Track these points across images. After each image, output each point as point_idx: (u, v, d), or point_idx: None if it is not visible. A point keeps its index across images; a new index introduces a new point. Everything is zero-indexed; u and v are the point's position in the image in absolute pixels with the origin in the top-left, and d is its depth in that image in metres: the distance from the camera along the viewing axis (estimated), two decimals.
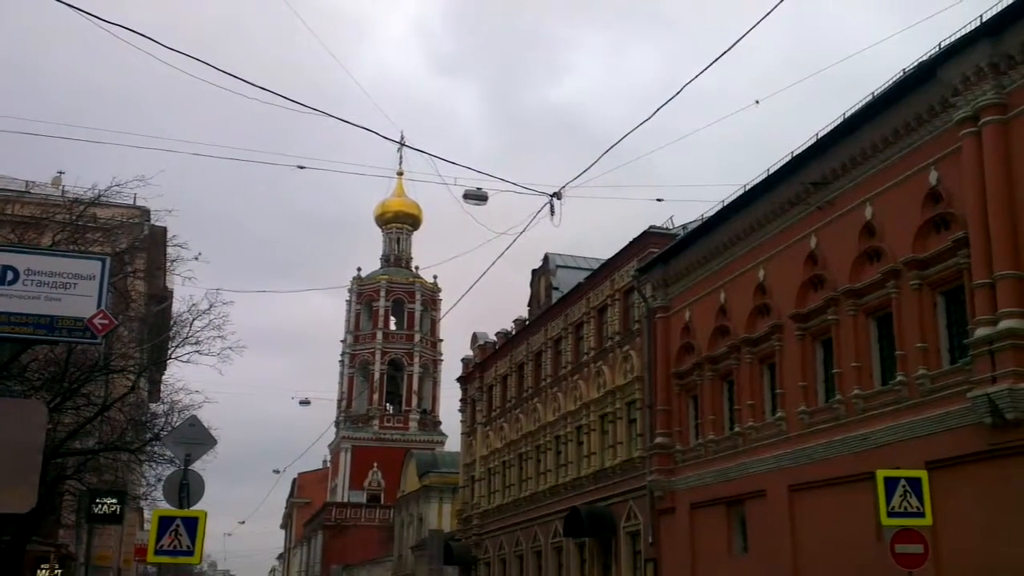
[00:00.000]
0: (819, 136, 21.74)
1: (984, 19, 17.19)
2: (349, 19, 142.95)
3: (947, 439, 17.61)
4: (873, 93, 20.20)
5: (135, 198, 22.80)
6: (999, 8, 16.92)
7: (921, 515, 14.17)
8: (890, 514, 14.11)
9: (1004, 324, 16.39)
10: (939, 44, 18.28)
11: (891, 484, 14.19)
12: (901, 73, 19.49)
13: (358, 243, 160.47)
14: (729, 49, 13.65)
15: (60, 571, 32.07)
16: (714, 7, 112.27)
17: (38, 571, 28.22)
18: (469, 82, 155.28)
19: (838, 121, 21.13)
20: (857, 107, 20.60)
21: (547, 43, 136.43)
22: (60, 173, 29.76)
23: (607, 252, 33.82)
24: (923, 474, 14.64)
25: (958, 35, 17.71)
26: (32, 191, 26.44)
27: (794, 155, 22.60)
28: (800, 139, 22.29)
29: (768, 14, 12.67)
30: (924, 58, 18.73)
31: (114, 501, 27.08)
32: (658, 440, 28.33)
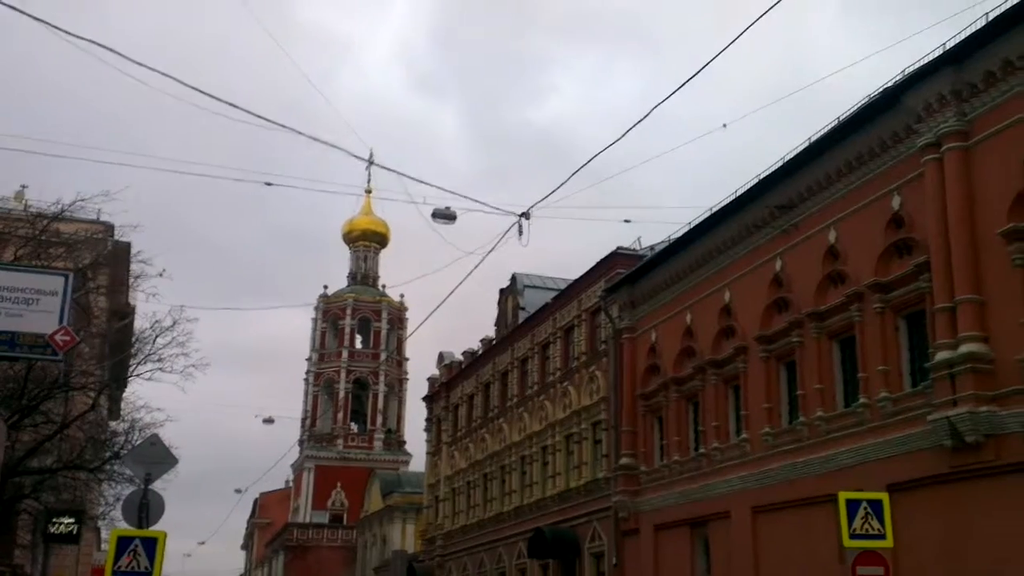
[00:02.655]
0: (785, 160, 21.97)
1: (947, 47, 17.48)
2: (333, 39, 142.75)
3: (908, 462, 17.76)
4: (839, 118, 20.47)
5: (99, 213, 22.60)
6: (962, 36, 17.22)
7: (882, 537, 14.22)
8: (852, 536, 14.15)
9: (964, 348, 16.59)
10: (903, 71, 18.59)
11: (853, 506, 14.24)
12: (866, 99, 19.77)
13: (326, 261, 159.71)
14: (696, 74, 13.76)
15: None
16: (700, 32, 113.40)
17: None
18: (450, 102, 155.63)
19: (804, 145, 21.38)
20: (823, 132, 20.86)
21: (530, 64, 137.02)
22: (23, 187, 29.39)
23: (578, 273, 33.93)
24: (884, 496, 14.70)
25: (922, 62, 18.00)
26: None
27: (760, 179, 22.82)
28: (772, 163, 22.43)
29: (735, 39, 12.79)
30: (888, 84, 19.02)
31: (71, 521, 26.62)
32: (623, 461, 28.35)
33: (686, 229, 26.11)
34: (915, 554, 16.87)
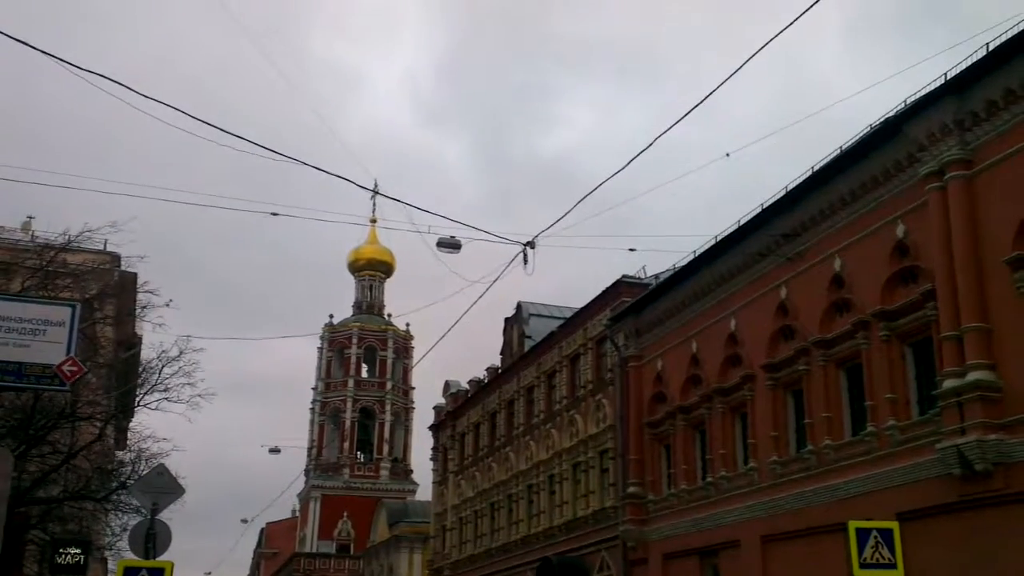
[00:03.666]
0: (789, 189, 22.04)
1: (948, 76, 17.58)
2: (341, 70, 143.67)
3: (918, 490, 17.69)
4: (841, 147, 20.55)
5: (106, 244, 22.71)
6: (963, 66, 17.32)
7: (893, 566, 14.14)
8: (862, 565, 14.06)
9: (972, 376, 16.56)
10: (905, 100, 18.67)
11: (863, 535, 14.17)
12: (868, 128, 19.84)
13: (332, 290, 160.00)
14: (697, 105, 13.85)
15: None
16: (710, 63, 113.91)
17: None
18: (458, 133, 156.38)
19: (807, 174, 21.45)
20: (826, 161, 20.93)
21: (537, 95, 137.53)
22: (30, 218, 29.59)
23: (584, 302, 33.97)
24: (894, 525, 14.63)
25: (923, 92, 18.09)
26: (1, 236, 26.23)
27: (764, 207, 22.88)
28: (775, 191, 22.53)
29: (736, 71, 12.89)
30: (890, 114, 19.09)
31: (78, 551, 26.49)
32: (630, 490, 28.24)
33: (691, 258, 26.15)
34: None
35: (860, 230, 20.22)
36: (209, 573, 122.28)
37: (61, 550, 26.16)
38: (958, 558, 16.78)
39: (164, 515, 15.04)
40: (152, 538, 14.02)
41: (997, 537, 16.11)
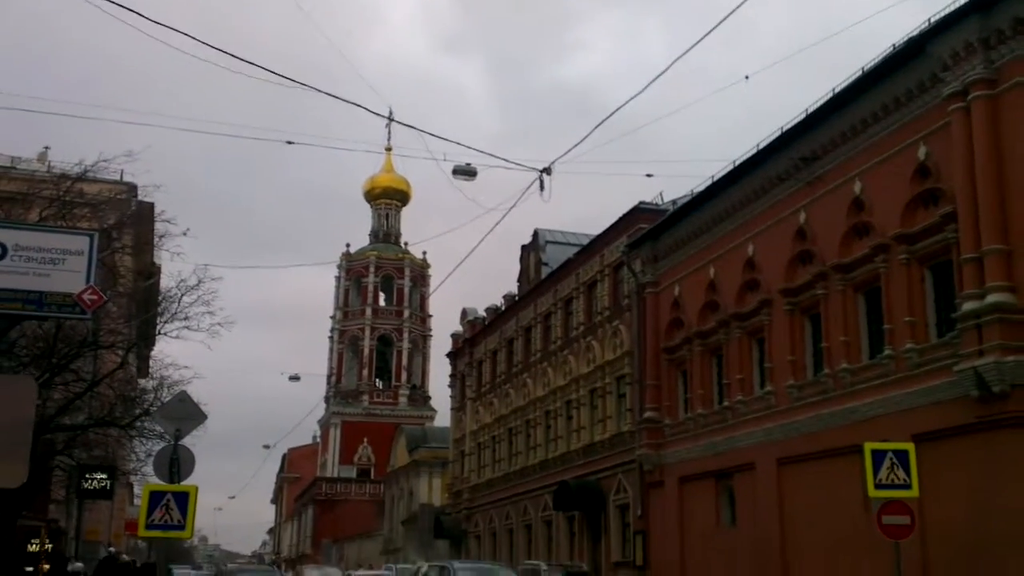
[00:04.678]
0: (809, 111, 21.74)
1: None
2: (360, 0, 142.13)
3: (934, 412, 17.73)
4: (863, 68, 20.20)
5: (122, 174, 22.70)
6: None
7: (908, 487, 14.27)
8: (877, 486, 14.20)
9: (991, 298, 16.48)
10: (929, 19, 18.27)
11: (878, 457, 14.28)
12: (891, 48, 19.48)
13: (348, 219, 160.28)
14: (716, 26, 13.63)
15: (51, 545, 32.11)
16: None
17: (29, 545, 28.24)
18: (474, 60, 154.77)
19: (828, 96, 21.13)
20: (847, 83, 20.60)
21: (556, 21, 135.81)
22: (46, 148, 29.60)
23: (601, 229, 33.86)
24: (910, 446, 14.73)
25: (948, 10, 17.69)
26: (18, 167, 26.25)
27: (783, 131, 22.61)
28: (795, 114, 22.26)
29: None
30: (914, 33, 18.71)
31: (104, 476, 27.10)
32: (647, 414, 28.46)
33: (709, 183, 25.96)
34: (941, 503, 16.91)
35: (881, 152, 19.97)
36: (233, 496, 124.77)
37: (88, 475, 26.76)
38: (973, 479, 16.88)
39: (187, 441, 15.24)
40: (176, 463, 14.20)
41: (1013, 458, 16.16)
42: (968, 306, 16.89)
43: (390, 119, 26.27)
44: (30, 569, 28.27)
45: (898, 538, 14.27)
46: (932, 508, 16.73)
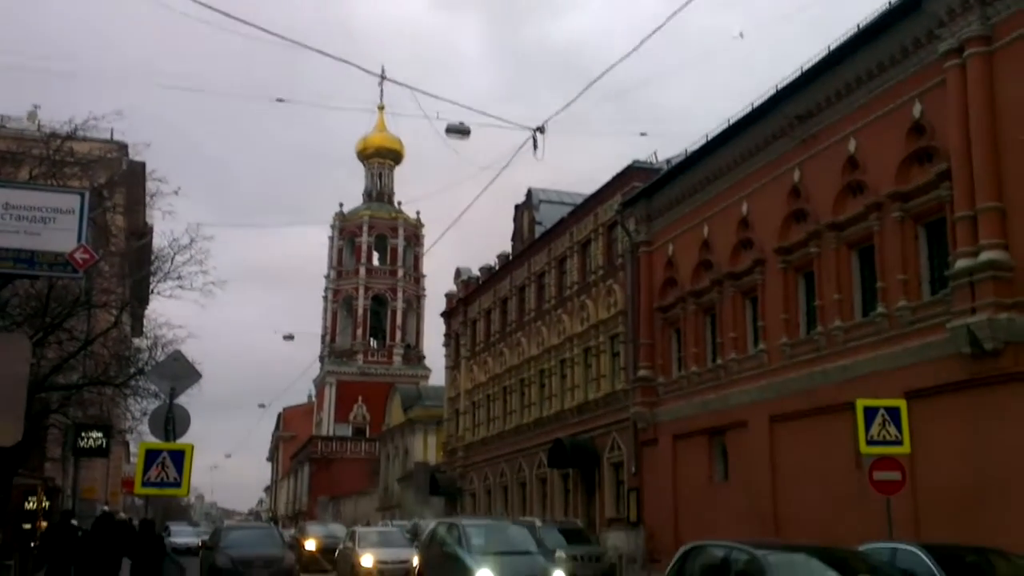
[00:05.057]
0: (803, 69, 21.61)
1: None
2: None
3: (926, 369, 17.83)
4: (859, 25, 20.05)
5: (112, 133, 22.53)
6: None
7: (899, 443, 14.40)
8: (869, 442, 14.33)
9: (985, 256, 16.51)
10: None
11: (870, 413, 14.40)
12: (887, 5, 19.32)
13: (341, 179, 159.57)
14: None
15: (47, 503, 32.28)
16: None
17: (25, 503, 28.39)
18: (468, 18, 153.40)
19: (823, 54, 21.00)
20: (842, 40, 20.45)
21: None
22: (36, 107, 29.33)
23: (595, 189, 33.75)
24: (902, 403, 14.85)
25: None
26: (7, 125, 26.04)
27: (778, 89, 22.49)
28: (790, 72, 22.13)
29: None
30: None
31: (99, 435, 27.13)
32: (641, 373, 28.58)
33: (703, 141, 25.85)
34: (932, 460, 17.05)
35: (876, 110, 19.89)
36: (229, 455, 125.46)
37: (83, 434, 26.80)
38: (965, 435, 17.02)
39: (182, 400, 15.26)
40: (171, 421, 14.25)
41: (1004, 415, 16.29)
42: (961, 263, 16.92)
43: (382, 77, 26.24)
44: (27, 527, 28.47)
45: (889, 494, 14.42)
46: (923, 464, 16.87)
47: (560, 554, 20.70)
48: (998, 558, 11.91)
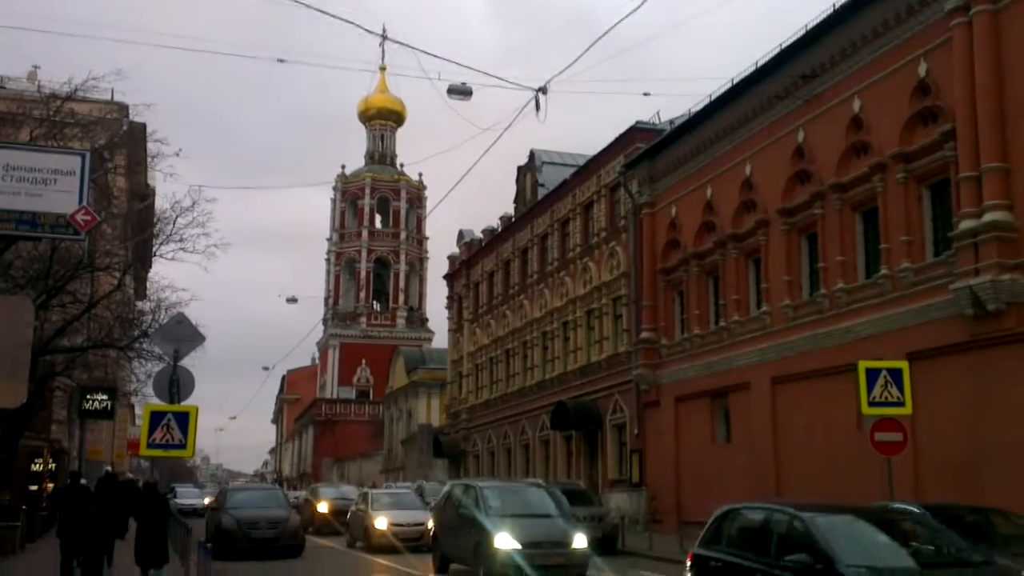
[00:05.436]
0: (808, 28, 21.41)
1: None
2: None
3: (929, 331, 17.83)
4: None
5: (112, 93, 22.41)
6: None
7: (901, 404, 14.43)
8: (871, 403, 14.36)
9: (989, 216, 16.45)
10: None
11: (872, 375, 14.42)
12: None
13: (343, 141, 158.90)
14: None
15: (54, 465, 32.56)
16: None
17: (32, 465, 28.64)
18: None
19: (828, 12, 20.80)
20: None
21: None
22: (35, 68, 29.17)
23: (598, 150, 33.57)
24: (904, 365, 14.87)
25: None
26: (7, 86, 25.90)
27: (782, 48, 22.29)
28: (795, 31, 21.91)
29: None
30: None
31: (104, 397, 27.32)
32: (644, 335, 28.61)
33: (707, 102, 25.68)
34: (933, 421, 17.10)
35: (880, 70, 19.73)
36: (234, 417, 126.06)
37: (88, 396, 26.98)
38: (966, 396, 17.05)
39: (186, 362, 15.30)
40: (176, 384, 14.26)
41: (1006, 375, 16.31)
42: (965, 224, 16.87)
43: (384, 37, 25.97)
44: (34, 488, 28.72)
45: (891, 455, 14.47)
46: (925, 425, 16.92)
47: None
48: (999, 517, 11.96)
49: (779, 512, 9.12)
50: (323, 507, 30.07)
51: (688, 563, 10.08)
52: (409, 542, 21.84)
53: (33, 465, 28.78)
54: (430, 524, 19.17)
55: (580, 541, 15.30)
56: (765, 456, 22.63)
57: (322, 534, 28.10)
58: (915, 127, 18.91)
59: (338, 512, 28.13)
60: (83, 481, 16.80)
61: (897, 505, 12.12)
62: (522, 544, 14.67)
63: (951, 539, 8.78)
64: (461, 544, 16.19)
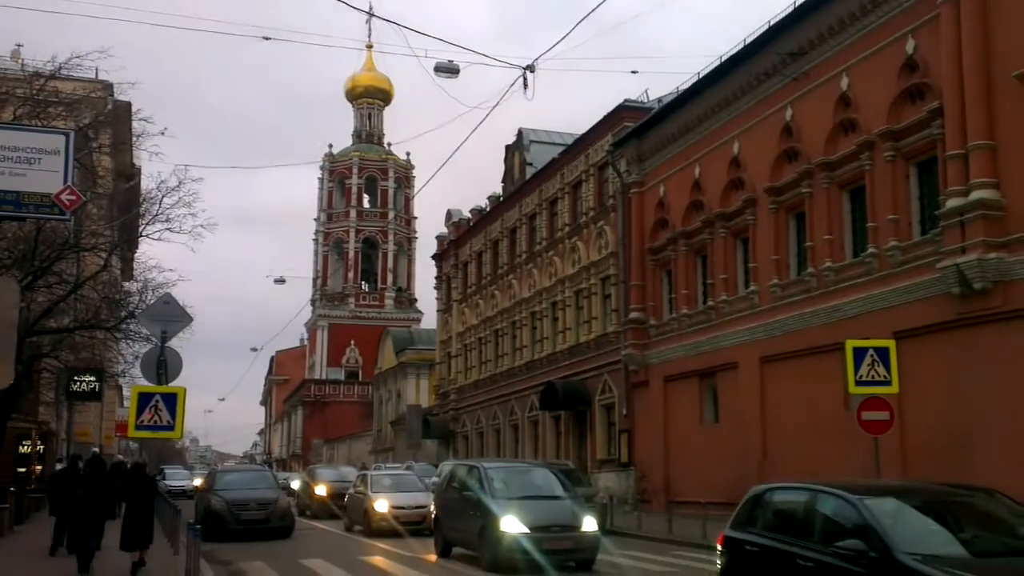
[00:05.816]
0: (796, 4, 21.35)
1: None
2: None
3: (916, 309, 17.90)
4: None
5: (97, 72, 22.20)
6: None
7: (888, 383, 14.47)
8: (858, 383, 14.40)
9: (976, 195, 16.48)
10: None
11: (859, 354, 14.45)
12: None
13: (330, 120, 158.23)
14: None
15: (42, 447, 32.48)
16: None
17: (20, 447, 28.55)
18: None
19: None
20: None
21: None
22: (18, 46, 28.88)
23: (586, 128, 33.49)
24: (891, 343, 14.91)
25: None
26: None
27: (770, 24, 22.24)
28: (783, 7, 21.84)
29: None
30: None
31: (92, 379, 27.19)
32: (632, 315, 28.64)
33: (695, 79, 25.63)
34: (921, 399, 17.19)
35: (869, 47, 19.71)
36: (223, 399, 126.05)
37: (76, 378, 26.84)
38: (953, 374, 17.14)
39: (174, 343, 15.23)
40: (163, 365, 14.20)
41: (993, 353, 16.39)
42: (952, 203, 16.90)
43: (370, 14, 25.74)
44: (22, 470, 28.64)
45: (878, 433, 14.53)
46: (911, 403, 17.01)
47: None
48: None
49: (825, 493, 8.29)
50: (321, 490, 28.96)
51: (719, 547, 9.32)
52: (410, 526, 21.03)
53: (21, 447, 28.68)
54: (432, 507, 18.46)
55: (590, 524, 14.69)
56: (753, 435, 22.73)
57: (320, 518, 27.43)
58: (903, 105, 18.91)
59: (337, 495, 26.94)
60: (81, 464, 16.78)
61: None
62: (529, 528, 14.03)
63: (1008, 522, 7.96)
64: (465, 527, 15.52)
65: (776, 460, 21.77)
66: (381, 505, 21.57)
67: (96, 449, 31.95)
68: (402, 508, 21.57)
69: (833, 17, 20.58)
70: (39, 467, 31.34)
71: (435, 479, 23.69)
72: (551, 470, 17.50)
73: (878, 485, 9.71)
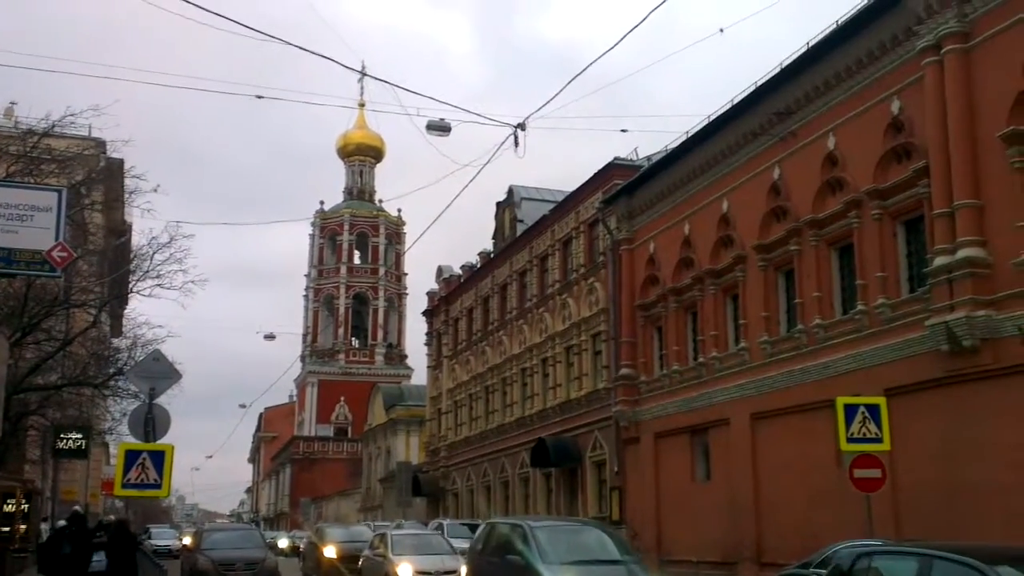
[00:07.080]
0: (783, 66, 21.68)
1: None
2: None
3: (905, 367, 17.91)
4: (837, 21, 20.14)
5: (90, 129, 22.36)
6: None
7: (879, 440, 14.46)
8: (849, 440, 14.38)
9: (963, 253, 16.59)
10: None
11: (851, 411, 14.45)
12: (867, 1, 19.40)
13: (322, 177, 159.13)
14: None
15: (27, 506, 32.02)
16: None
17: (4, 506, 28.16)
18: (455, 13, 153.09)
19: (802, 50, 21.08)
20: (821, 36, 20.54)
21: None
22: (12, 104, 29.05)
23: (576, 186, 33.73)
24: (882, 401, 14.91)
25: None
26: None
27: (758, 85, 22.55)
28: (771, 69, 22.17)
29: None
30: None
31: (79, 436, 26.96)
32: (623, 371, 28.60)
33: (683, 138, 25.90)
34: (912, 457, 17.13)
35: (855, 107, 19.98)
36: (210, 456, 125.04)
37: (63, 435, 26.60)
38: (944, 431, 17.09)
39: (163, 400, 15.18)
40: (151, 422, 14.13)
41: (982, 411, 16.37)
42: (939, 261, 17.01)
43: (363, 74, 26.07)
44: (6, 529, 28.22)
45: (870, 491, 14.48)
46: (903, 461, 16.94)
47: None
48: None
49: (944, 560, 6.97)
50: (330, 551, 25.44)
51: None
52: None
53: (5, 506, 28.28)
54: (463, 572, 16.75)
55: None
56: (745, 493, 22.59)
57: None
58: (889, 164, 19.11)
59: (349, 558, 24.00)
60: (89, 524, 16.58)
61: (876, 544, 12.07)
62: None
63: None
64: None
65: (769, 518, 21.62)
66: (405, 571, 19.25)
67: (78, 507, 31.58)
68: (429, 573, 19.24)
69: (819, 78, 20.89)
70: (23, 526, 30.87)
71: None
72: (603, 528, 16.09)
73: (1001, 550, 8.03)
